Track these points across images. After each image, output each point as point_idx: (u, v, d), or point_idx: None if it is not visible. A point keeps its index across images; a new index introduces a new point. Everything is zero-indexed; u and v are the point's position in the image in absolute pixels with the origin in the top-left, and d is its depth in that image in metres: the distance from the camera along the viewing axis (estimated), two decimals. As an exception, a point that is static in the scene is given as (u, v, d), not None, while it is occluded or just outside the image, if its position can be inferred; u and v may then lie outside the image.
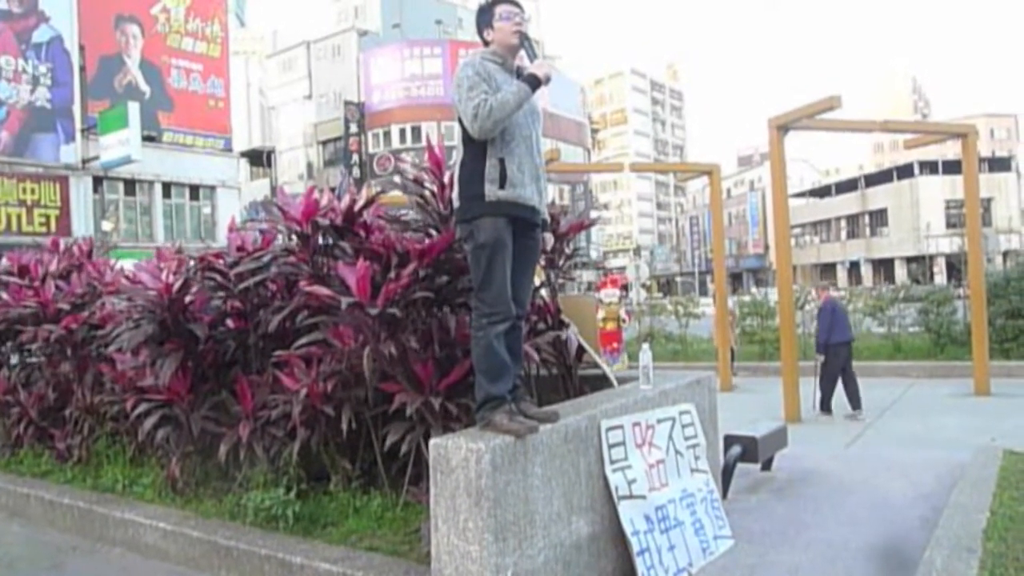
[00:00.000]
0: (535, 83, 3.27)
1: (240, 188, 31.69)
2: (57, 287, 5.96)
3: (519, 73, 3.40)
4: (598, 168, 43.56)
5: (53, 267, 6.28)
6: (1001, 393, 9.54)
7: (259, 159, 46.95)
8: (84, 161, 25.25)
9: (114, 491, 5.02)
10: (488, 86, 3.25)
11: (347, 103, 44.27)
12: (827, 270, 58.24)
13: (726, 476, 4.87)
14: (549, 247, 3.86)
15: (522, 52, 3.42)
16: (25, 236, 20.24)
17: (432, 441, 3.15)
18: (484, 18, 3.46)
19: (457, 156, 3.40)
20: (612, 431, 3.64)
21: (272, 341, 4.39)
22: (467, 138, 3.30)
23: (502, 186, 3.25)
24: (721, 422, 4.84)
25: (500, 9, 3.41)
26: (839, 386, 8.91)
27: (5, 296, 6.08)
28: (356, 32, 47.02)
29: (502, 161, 3.26)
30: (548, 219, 3.72)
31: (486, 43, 3.47)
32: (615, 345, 12.17)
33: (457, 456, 3.01)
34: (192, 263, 4.75)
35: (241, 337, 4.64)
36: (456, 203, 3.38)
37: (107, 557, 4.48)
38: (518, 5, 3.45)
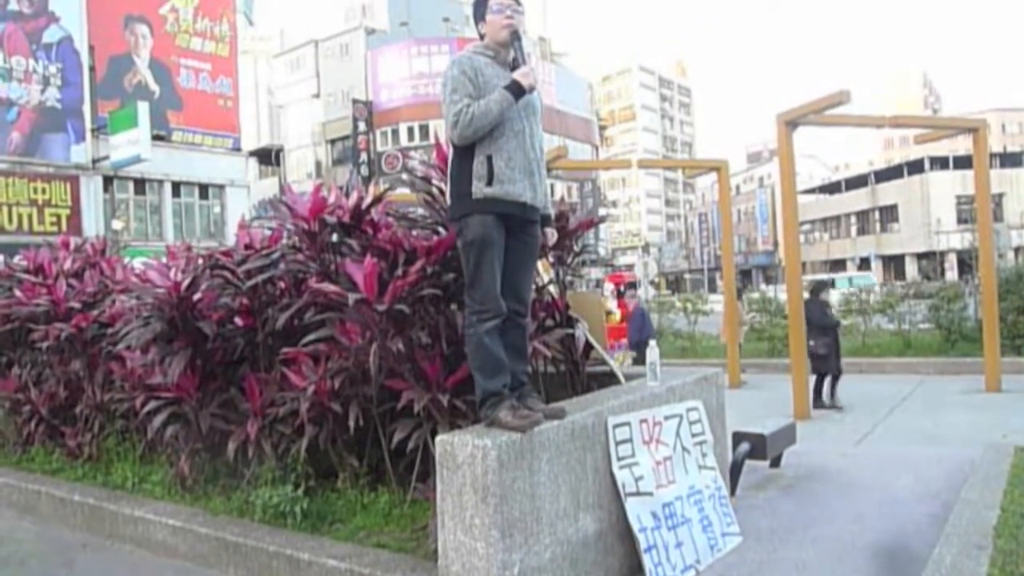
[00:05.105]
0: (519, 92, 3.24)
1: (249, 187, 31.82)
2: (69, 285, 5.99)
3: (514, 66, 3.35)
4: (606, 165, 43.47)
5: (67, 266, 6.32)
6: (1012, 389, 9.47)
7: (268, 158, 47.12)
8: (94, 161, 25.42)
9: (124, 488, 5.05)
10: (474, 87, 3.23)
11: (355, 101, 44.32)
12: (837, 266, 57.94)
13: (735, 473, 4.86)
14: (551, 243, 3.83)
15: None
16: (36, 236, 20.36)
17: (438, 438, 3.16)
18: (479, 10, 3.44)
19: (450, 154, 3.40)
20: (619, 428, 3.63)
21: (280, 339, 4.40)
22: None
23: (489, 183, 3.23)
24: (730, 419, 4.82)
25: (494, 1, 3.37)
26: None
27: (18, 294, 6.12)
28: (364, 30, 47.04)
29: (490, 158, 3.24)
30: (550, 214, 3.70)
31: (482, 36, 3.46)
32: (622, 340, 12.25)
33: (463, 453, 3.02)
34: (200, 261, 4.76)
35: (249, 335, 4.65)
36: (448, 201, 3.38)
37: (117, 554, 4.51)
38: None
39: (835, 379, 9.20)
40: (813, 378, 9.23)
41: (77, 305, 5.69)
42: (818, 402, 9.08)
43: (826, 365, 9.19)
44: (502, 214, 3.27)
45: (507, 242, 3.32)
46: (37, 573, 4.30)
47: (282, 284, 4.59)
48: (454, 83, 3.25)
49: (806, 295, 9.52)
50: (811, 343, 9.15)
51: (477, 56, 3.36)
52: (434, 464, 3.19)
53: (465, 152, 3.28)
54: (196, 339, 4.58)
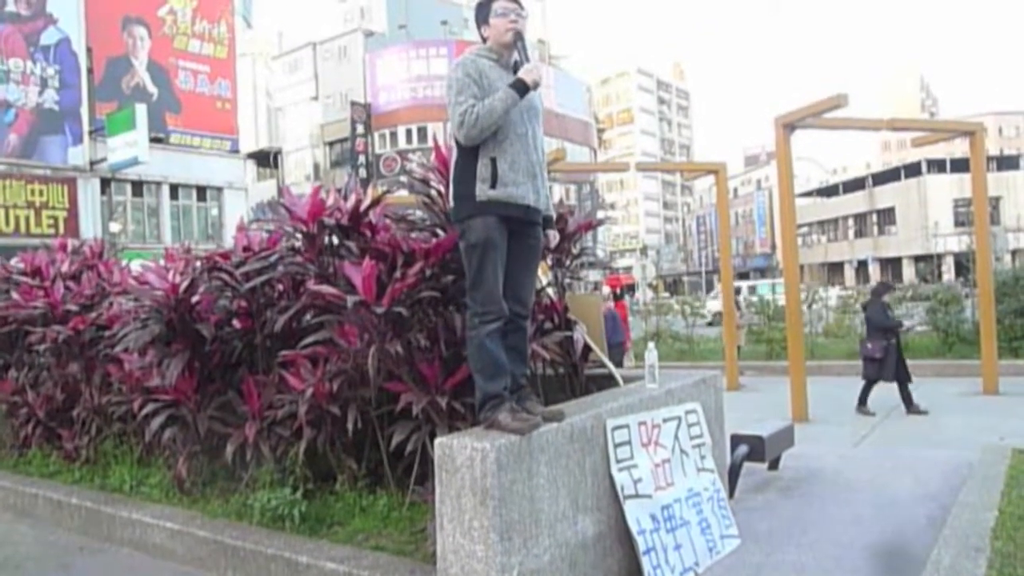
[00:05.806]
0: (523, 89, 3.26)
1: (247, 189, 31.76)
2: (67, 288, 5.98)
3: (516, 69, 3.37)
4: (604, 168, 43.51)
5: (65, 268, 6.32)
6: (1010, 392, 9.49)
7: (266, 160, 47.08)
8: (92, 163, 25.38)
9: (121, 491, 5.04)
10: (479, 88, 3.24)
11: (353, 104, 44.34)
12: (835, 269, 58.05)
13: (733, 475, 4.86)
14: (553, 245, 3.84)
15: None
16: (33, 238, 20.33)
17: (437, 440, 3.16)
18: (482, 13, 3.45)
19: (452, 156, 3.40)
20: (618, 430, 3.63)
21: (278, 341, 4.40)
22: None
23: (493, 185, 3.24)
24: (728, 421, 4.82)
25: (497, 5, 3.39)
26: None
27: (16, 296, 6.11)
28: (362, 33, 47.11)
29: (494, 160, 3.25)
30: (552, 216, 3.71)
31: (484, 40, 3.47)
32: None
33: (462, 455, 3.02)
34: (199, 263, 4.76)
35: (247, 337, 4.65)
36: (451, 203, 3.38)
37: (115, 557, 4.50)
38: (516, 1, 3.42)
39: (902, 385, 8.67)
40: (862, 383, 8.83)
41: (74, 307, 5.68)
42: (861, 408, 8.74)
43: (879, 371, 8.64)
44: (505, 216, 3.28)
45: (509, 244, 3.34)
46: (34, 576, 4.29)
47: (280, 286, 4.59)
48: (459, 85, 3.26)
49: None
50: (868, 346, 8.77)
51: (481, 59, 3.37)
52: (433, 466, 3.18)
53: (469, 154, 3.29)
54: (194, 341, 4.58)
